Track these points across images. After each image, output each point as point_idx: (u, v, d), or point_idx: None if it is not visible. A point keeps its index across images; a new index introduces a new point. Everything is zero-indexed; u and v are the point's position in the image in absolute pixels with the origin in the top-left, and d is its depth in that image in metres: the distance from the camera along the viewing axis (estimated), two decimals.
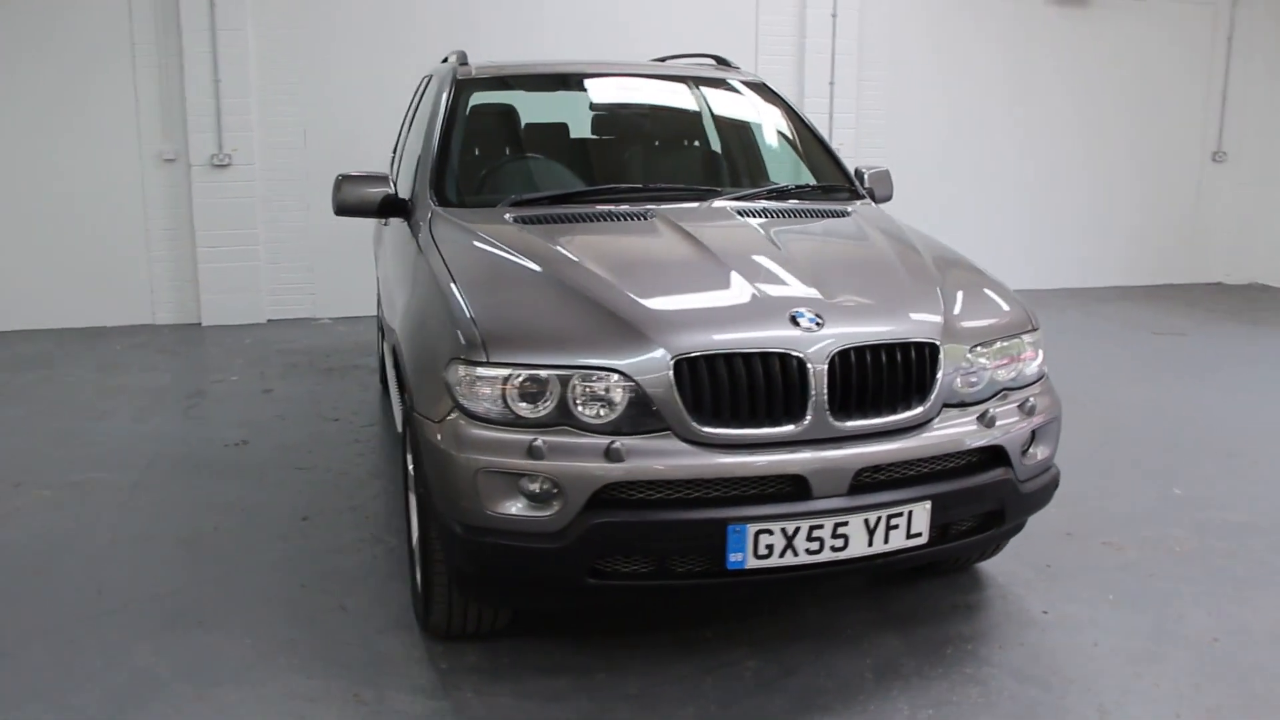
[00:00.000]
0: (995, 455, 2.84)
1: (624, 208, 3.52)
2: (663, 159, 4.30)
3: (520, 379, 2.58)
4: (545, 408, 2.58)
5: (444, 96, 4.06)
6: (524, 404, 2.58)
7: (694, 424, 2.56)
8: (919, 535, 2.69)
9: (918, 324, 2.79)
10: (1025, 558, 3.65)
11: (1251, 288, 9.56)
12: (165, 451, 4.86)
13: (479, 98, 4.13)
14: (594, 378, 2.57)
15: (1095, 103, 8.65)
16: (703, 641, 3.12)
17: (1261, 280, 9.55)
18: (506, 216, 3.46)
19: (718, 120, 4.40)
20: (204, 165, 7.32)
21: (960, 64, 8.49)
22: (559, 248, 3.11)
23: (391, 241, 4.24)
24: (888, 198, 4.08)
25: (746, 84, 4.43)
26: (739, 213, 3.54)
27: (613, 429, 2.57)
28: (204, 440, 5.03)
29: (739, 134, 4.37)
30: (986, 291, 3.13)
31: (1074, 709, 2.78)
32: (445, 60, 4.65)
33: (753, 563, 2.57)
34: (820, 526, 2.58)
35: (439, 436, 2.64)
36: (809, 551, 2.59)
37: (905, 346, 2.73)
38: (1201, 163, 8.97)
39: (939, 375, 2.76)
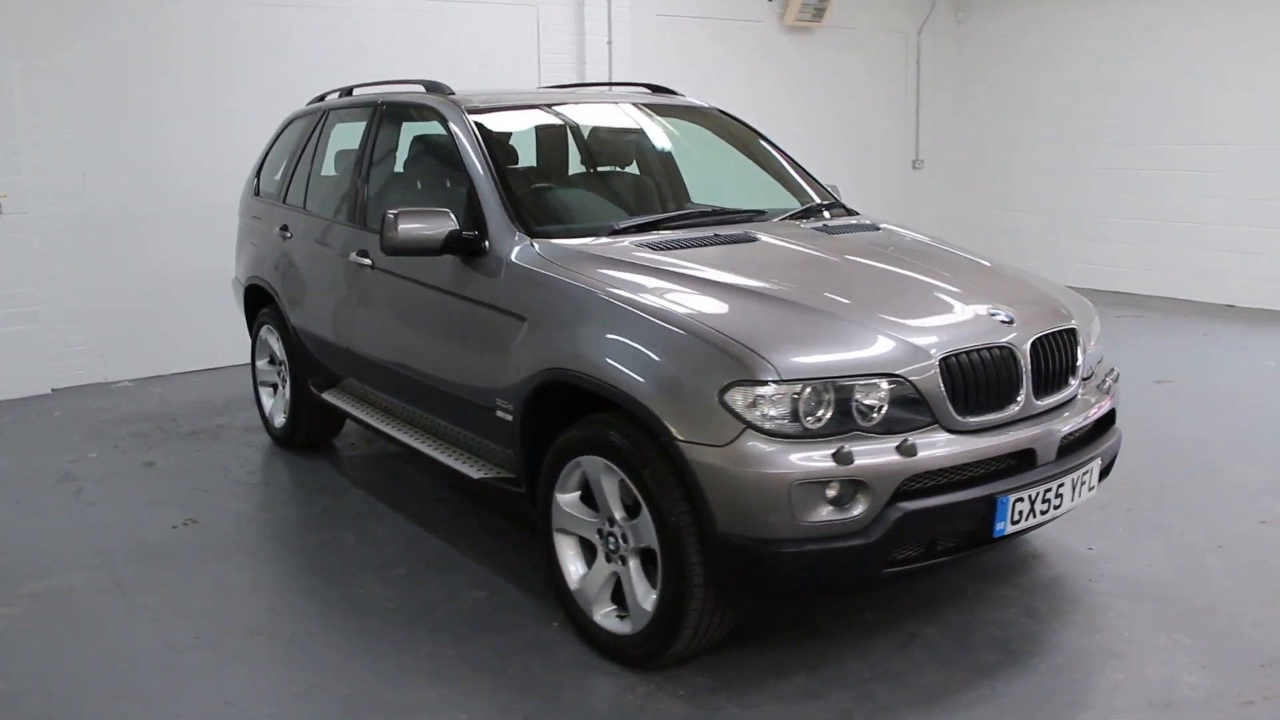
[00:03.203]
0: (1110, 415, 3.45)
1: (726, 231, 3.72)
2: (678, 183, 4.48)
3: (809, 391, 2.75)
4: (826, 415, 2.78)
5: (461, 128, 3.96)
6: (811, 414, 2.76)
7: (955, 414, 2.90)
8: (1093, 487, 3.23)
9: (1062, 313, 3.32)
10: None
11: None
12: (109, 543, 4.21)
13: (494, 128, 4.06)
14: (874, 382, 2.81)
15: (818, 118, 9.80)
16: (874, 623, 3.44)
17: None
18: (627, 242, 3.53)
19: (714, 145, 4.66)
20: None
21: (714, 85, 9.20)
22: (731, 270, 3.28)
23: (405, 282, 4.01)
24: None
25: (720, 111, 4.75)
26: (823, 230, 3.88)
27: (884, 428, 2.82)
28: (142, 524, 4.40)
29: (735, 157, 4.66)
30: (1058, 286, 3.73)
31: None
32: (420, 90, 4.45)
33: (1009, 529, 2.96)
34: (1050, 489, 3.02)
35: (732, 459, 2.73)
36: (1041, 512, 3.02)
37: (1064, 332, 3.25)
38: (904, 170, 10.50)
39: (1081, 355, 3.32)
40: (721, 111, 4.80)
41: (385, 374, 4.29)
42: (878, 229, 4.04)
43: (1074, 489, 3.11)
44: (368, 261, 4.28)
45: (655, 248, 3.49)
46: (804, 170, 4.63)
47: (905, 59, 10.37)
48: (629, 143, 4.62)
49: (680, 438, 2.81)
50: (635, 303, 3.07)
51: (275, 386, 5.47)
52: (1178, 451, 5.08)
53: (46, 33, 6.33)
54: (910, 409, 2.85)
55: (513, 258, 3.51)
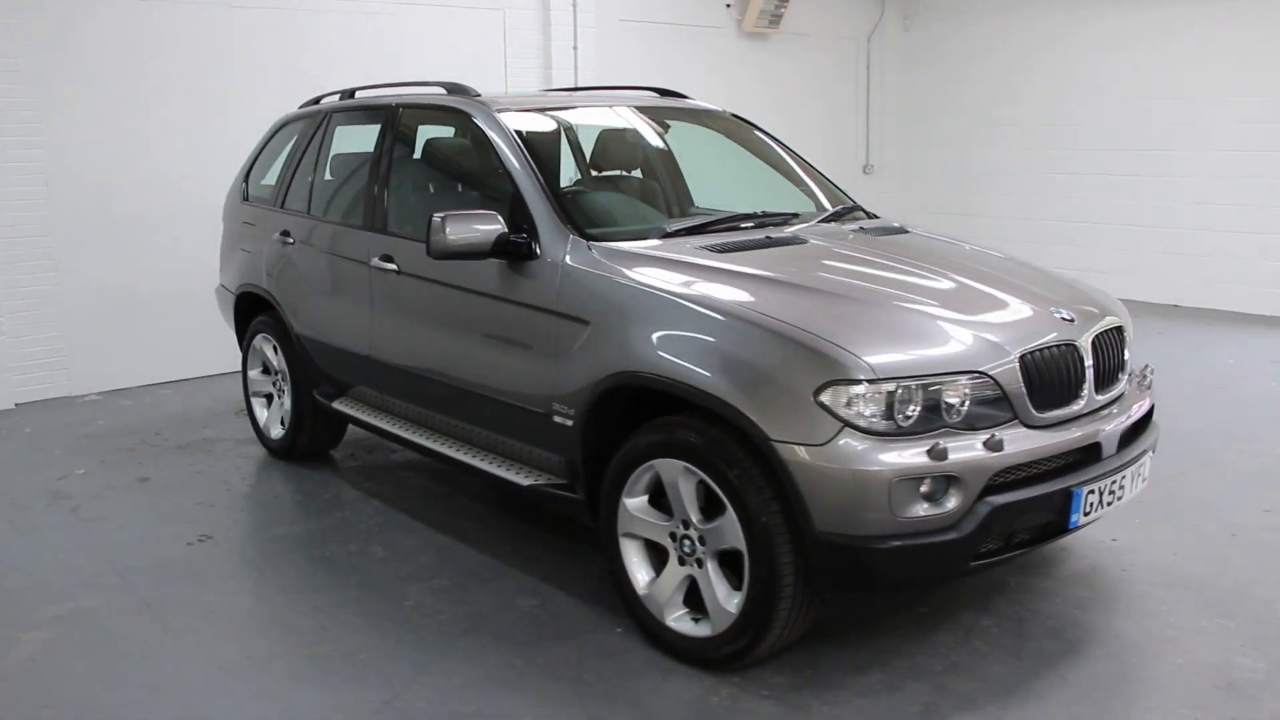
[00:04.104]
0: (1150, 410, 3.59)
1: (776, 234, 3.75)
2: (715, 183, 4.50)
3: (901, 389, 2.80)
4: (915, 412, 2.83)
5: (496, 131, 3.91)
6: (902, 412, 2.80)
7: (1033, 410, 2.98)
8: (1145, 478, 3.35)
9: (1110, 312, 3.44)
10: None
11: None
12: (125, 562, 4.05)
13: (528, 130, 4.02)
14: (961, 379, 2.87)
15: (774, 122, 9.82)
16: (930, 617, 3.50)
17: None
18: (687, 245, 3.54)
19: (736, 148, 4.69)
20: None
21: (675, 88, 9.34)
22: (798, 272, 3.32)
23: (440, 286, 3.95)
24: None
25: (734, 116, 4.78)
26: (862, 232, 3.94)
27: (967, 424, 2.88)
28: (154, 542, 4.24)
29: (755, 160, 4.70)
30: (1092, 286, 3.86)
31: None
32: (440, 92, 4.38)
33: (1081, 520, 3.05)
34: (1114, 481, 3.13)
35: (830, 457, 2.76)
36: (1106, 504, 3.13)
37: (1114, 330, 3.37)
38: (857, 174, 10.69)
39: (1127, 352, 3.44)
40: (735, 115, 4.84)
41: (413, 382, 4.21)
42: (907, 231, 4.13)
43: (1132, 480, 3.22)
44: (392, 266, 4.20)
45: (717, 250, 3.50)
46: (821, 174, 4.69)
47: (856, 65, 10.59)
48: (655, 146, 4.62)
49: (774, 438, 2.83)
50: (718, 305, 3.08)
51: (270, 397, 5.31)
52: (1170, 444, 5.27)
53: (7, 34, 6.04)
54: (992, 405, 2.92)
55: (569, 261, 3.48)
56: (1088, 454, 3.12)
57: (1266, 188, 8.36)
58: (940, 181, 10.64)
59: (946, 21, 10.45)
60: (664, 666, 3.21)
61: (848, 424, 2.77)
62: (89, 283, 6.52)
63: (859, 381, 2.78)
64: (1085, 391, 3.15)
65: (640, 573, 3.32)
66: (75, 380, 6.54)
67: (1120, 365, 3.38)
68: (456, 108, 4.17)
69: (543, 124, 4.13)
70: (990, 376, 2.91)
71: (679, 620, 3.22)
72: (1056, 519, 3.00)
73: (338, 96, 5.07)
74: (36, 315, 6.34)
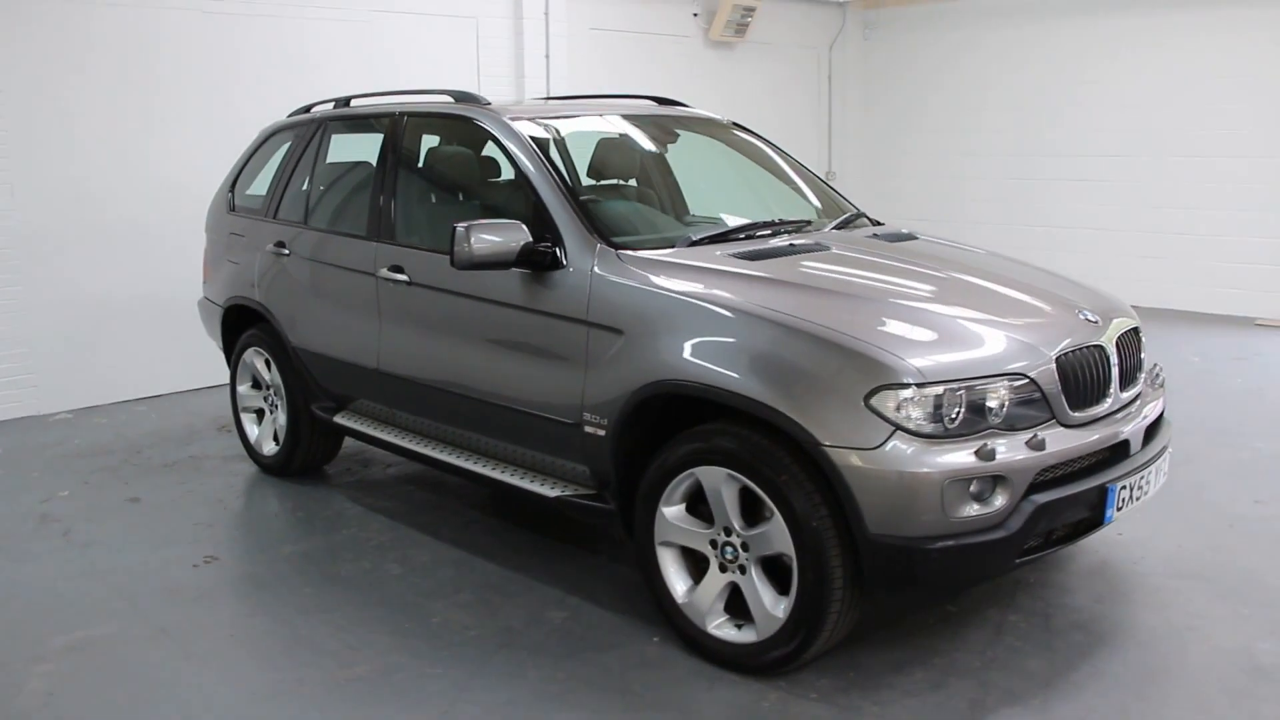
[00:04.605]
0: (1162, 409, 3.69)
1: (799, 240, 3.78)
2: (728, 192, 4.52)
3: (948, 392, 2.84)
4: (960, 414, 2.87)
5: (513, 140, 3.89)
6: (949, 414, 2.85)
7: (1069, 410, 3.05)
8: (1165, 473, 3.44)
9: (1126, 313, 3.53)
10: None
11: None
12: (130, 587, 3.93)
13: (544, 139, 4.00)
14: (1006, 381, 2.93)
15: None
16: (958, 615, 3.55)
17: None
18: (717, 252, 3.55)
19: (737, 156, 4.72)
20: None
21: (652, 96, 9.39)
22: (832, 278, 3.36)
23: (456, 298, 3.91)
24: None
25: (734, 124, 4.81)
26: (878, 239, 4.00)
27: (1008, 425, 2.94)
28: (157, 565, 4.13)
29: (757, 168, 4.73)
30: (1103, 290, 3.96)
31: None
32: (448, 101, 4.33)
33: (1115, 515, 3.12)
34: (1142, 477, 3.21)
35: (884, 461, 2.79)
36: (1134, 499, 3.20)
37: (1133, 331, 3.46)
38: None
39: (1144, 352, 3.54)
40: (735, 124, 4.88)
41: (426, 394, 4.15)
42: (916, 237, 4.19)
43: (1156, 476, 3.31)
44: (402, 277, 4.14)
45: (748, 257, 3.51)
46: (822, 180, 4.74)
47: (818, 74, 10.72)
48: (652, 154, 4.62)
49: (825, 443, 2.85)
50: (762, 312, 3.09)
51: (260, 412, 5.20)
52: None
53: None
54: (1031, 406, 2.98)
55: (598, 270, 3.47)
56: (1116, 451, 3.20)
57: (1224, 192, 8.65)
58: (905, 189, 10.81)
59: (908, 33, 10.64)
60: (708, 674, 3.21)
61: (899, 427, 2.81)
62: (57, 297, 6.33)
63: (908, 385, 2.82)
64: (1112, 391, 3.23)
65: (678, 581, 3.32)
66: (45, 398, 6.34)
67: (1139, 365, 3.47)
68: (469, 117, 4.14)
69: (558, 132, 4.11)
70: (1030, 378, 2.98)
71: (721, 627, 3.23)
72: (1092, 515, 3.07)
73: (331, 105, 4.99)
74: (3, 331, 6.13)
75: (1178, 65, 8.80)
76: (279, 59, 6.98)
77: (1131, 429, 3.24)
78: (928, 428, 2.83)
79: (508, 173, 4.04)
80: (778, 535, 3.00)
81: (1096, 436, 3.09)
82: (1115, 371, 3.25)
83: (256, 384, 5.19)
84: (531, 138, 3.91)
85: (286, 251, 4.80)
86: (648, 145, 4.67)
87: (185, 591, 3.91)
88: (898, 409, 2.81)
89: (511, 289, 3.70)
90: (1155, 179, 9.04)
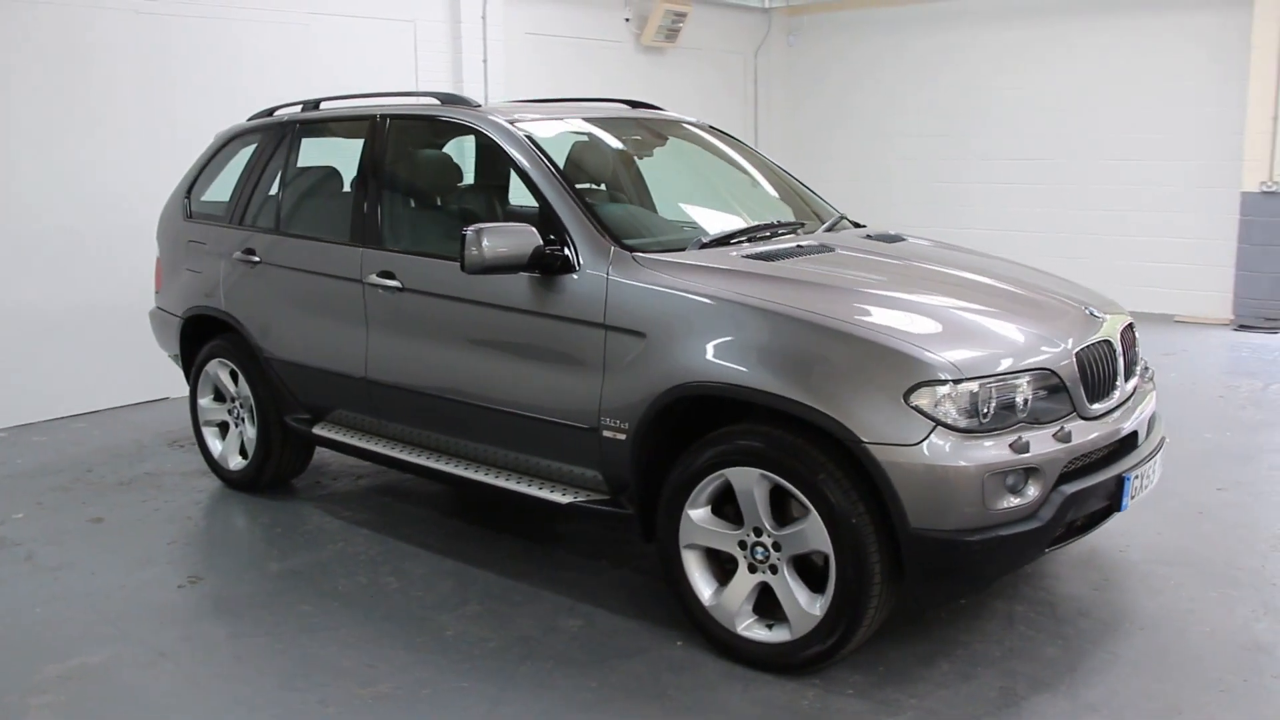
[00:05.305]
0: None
1: (804, 242, 3.82)
2: (713, 195, 4.52)
3: (981, 388, 2.91)
4: (993, 409, 2.95)
5: (512, 143, 3.83)
6: (983, 409, 2.91)
7: (1087, 403, 3.15)
8: (1161, 463, 3.59)
9: (1122, 309, 3.67)
10: None
11: None
12: (114, 610, 3.75)
13: (544, 142, 3.95)
14: (1034, 376, 3.02)
15: None
16: (967, 607, 3.64)
17: None
18: (733, 254, 3.56)
19: (729, 159, 4.74)
20: None
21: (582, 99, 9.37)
22: (850, 278, 3.41)
23: (463, 305, 3.83)
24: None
25: (711, 127, 4.84)
26: (872, 240, 4.06)
27: (1033, 418, 3.03)
28: (138, 587, 3.94)
29: (749, 172, 4.76)
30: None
31: None
32: (433, 102, 4.24)
33: (1129, 503, 3.24)
34: (1149, 466, 3.34)
35: (926, 456, 2.84)
36: (1143, 488, 3.34)
37: (1129, 326, 3.60)
38: (746, 184, 10.96)
39: (1137, 346, 3.68)
40: (712, 127, 4.90)
41: (420, 402, 4.05)
42: (904, 239, 4.28)
43: (1158, 465, 3.45)
44: (394, 283, 4.04)
45: (763, 259, 3.53)
46: (801, 183, 4.81)
47: (744, 79, 10.86)
48: (625, 158, 4.60)
49: (867, 440, 2.89)
50: (798, 312, 3.11)
51: (224, 426, 5.00)
52: None
53: None
54: (1055, 399, 3.07)
55: (615, 273, 3.45)
56: (1125, 443, 3.33)
57: (1140, 194, 9.06)
58: (830, 192, 10.85)
59: (830, 39, 10.86)
60: (740, 675, 3.22)
61: (938, 423, 2.86)
62: None
63: (946, 382, 2.88)
64: (1119, 384, 3.36)
65: (705, 585, 3.32)
66: None
67: (1135, 359, 3.61)
68: (462, 120, 4.05)
69: (554, 135, 4.07)
70: (1054, 372, 3.07)
71: (751, 628, 3.24)
72: (1110, 503, 3.18)
73: (299, 107, 4.83)
74: None
75: (1090, 71, 9.19)
76: (215, 61, 6.73)
77: (1139, 420, 3.37)
78: (964, 423, 2.89)
79: (506, 176, 3.97)
80: (814, 533, 3.03)
81: (1113, 428, 3.21)
82: (1121, 365, 3.38)
83: (219, 397, 4.99)
84: (534, 142, 3.86)
85: (256, 258, 4.63)
86: (617, 149, 4.63)
87: (174, 613, 3.74)
88: (936, 405, 2.87)
89: (517, 293, 3.64)
90: (1074, 181, 9.42)
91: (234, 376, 4.83)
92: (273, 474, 4.85)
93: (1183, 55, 8.74)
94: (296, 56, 7.15)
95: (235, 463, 4.93)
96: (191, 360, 5.07)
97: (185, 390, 5.15)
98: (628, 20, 9.63)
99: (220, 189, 5.04)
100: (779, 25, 11.02)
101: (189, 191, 5.17)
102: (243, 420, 4.86)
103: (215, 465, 5.04)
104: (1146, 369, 3.83)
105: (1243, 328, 8.34)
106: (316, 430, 4.53)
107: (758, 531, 3.17)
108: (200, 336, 5.01)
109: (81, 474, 5.25)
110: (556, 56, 9.09)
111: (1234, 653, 3.31)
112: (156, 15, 6.44)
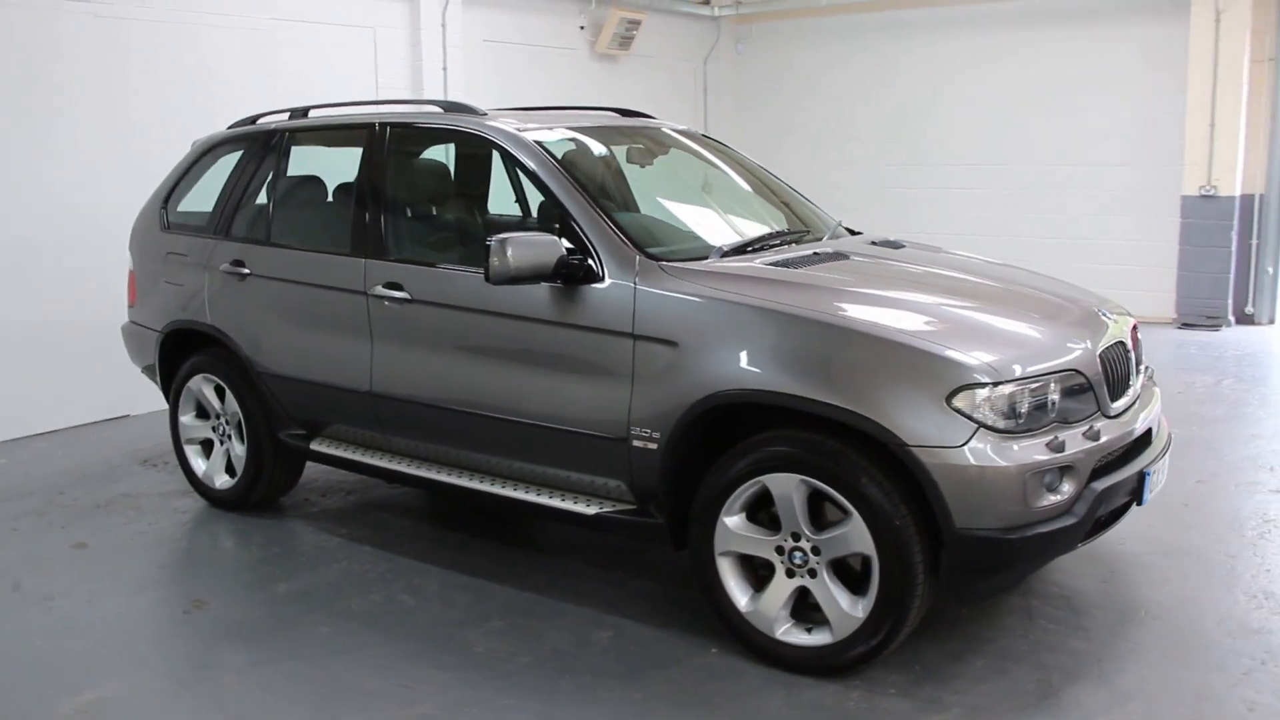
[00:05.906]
0: None
1: (820, 249, 3.86)
2: (718, 203, 4.52)
3: (1018, 389, 2.98)
4: (1027, 409, 3.02)
5: (527, 152, 3.81)
6: (1020, 410, 2.99)
7: (1110, 402, 3.25)
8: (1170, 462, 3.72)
9: (1125, 311, 3.79)
10: None
11: None
12: (119, 639, 3.63)
13: (557, 151, 3.93)
14: (1065, 377, 3.10)
15: None
16: (984, 603, 3.72)
17: None
18: (757, 262, 3.59)
19: (724, 168, 4.76)
20: None
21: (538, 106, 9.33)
22: (875, 285, 3.46)
23: (487, 315, 3.78)
24: None
25: (705, 136, 4.86)
26: (880, 247, 4.12)
27: (1062, 418, 3.11)
28: (141, 614, 3.81)
29: (745, 180, 4.78)
30: None
31: None
32: (435, 111, 4.17)
33: (1148, 498, 3.35)
34: (1161, 464, 3.46)
35: (971, 457, 2.90)
36: (1159, 483, 3.45)
37: (1134, 327, 3.72)
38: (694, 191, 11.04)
39: (1141, 347, 3.81)
40: (706, 135, 4.93)
41: (429, 415, 3.97)
42: (904, 245, 4.36)
43: (1168, 462, 3.58)
44: (402, 294, 3.97)
45: (787, 266, 3.56)
46: (796, 191, 4.86)
47: (694, 87, 10.94)
48: (615, 166, 4.59)
49: (911, 443, 2.94)
50: (837, 319, 3.15)
51: (208, 443, 4.85)
52: None
53: None
54: (1081, 399, 3.17)
55: (643, 283, 3.44)
56: (1140, 440, 3.44)
57: (1084, 198, 9.34)
58: None
59: (777, 48, 10.99)
60: (781, 680, 3.23)
61: (980, 425, 2.93)
62: None
63: (985, 385, 2.94)
64: (1132, 383, 3.47)
65: (740, 592, 3.33)
66: None
67: (1140, 359, 3.74)
68: (471, 129, 4.00)
69: (565, 144, 4.05)
70: (1082, 373, 3.16)
71: (789, 633, 3.26)
72: (1133, 498, 3.29)
73: (287, 115, 4.72)
74: None
75: (1034, 79, 9.46)
76: (176, 67, 6.54)
77: (1151, 418, 3.49)
78: (1002, 424, 2.96)
79: (519, 185, 3.93)
80: (856, 536, 3.07)
81: (1133, 426, 3.32)
82: (1133, 365, 3.49)
83: (202, 413, 4.84)
84: (550, 152, 3.83)
85: (246, 270, 4.51)
86: (607, 156, 4.62)
87: (184, 641, 3.62)
88: (976, 407, 2.93)
89: (537, 303, 3.61)
90: (1019, 187, 9.68)
91: (220, 392, 4.69)
92: (263, 492, 4.71)
93: (1123, 64, 9.05)
94: (260, 63, 6.99)
95: (222, 481, 4.78)
96: (171, 376, 4.91)
97: (149, 407, 4.99)
98: (583, 28, 9.62)
99: (200, 199, 4.90)
100: (728, 33, 11.13)
101: (165, 202, 5.00)
102: (229, 437, 4.72)
103: (199, 484, 4.88)
104: (1148, 369, 3.96)
105: (1186, 326, 8.67)
106: (314, 446, 4.42)
107: (795, 536, 3.20)
108: (180, 351, 4.86)
109: (54, 496, 5.04)
110: (512, 64, 9.05)
111: (1246, 635, 3.44)
112: (116, 19, 6.23)
